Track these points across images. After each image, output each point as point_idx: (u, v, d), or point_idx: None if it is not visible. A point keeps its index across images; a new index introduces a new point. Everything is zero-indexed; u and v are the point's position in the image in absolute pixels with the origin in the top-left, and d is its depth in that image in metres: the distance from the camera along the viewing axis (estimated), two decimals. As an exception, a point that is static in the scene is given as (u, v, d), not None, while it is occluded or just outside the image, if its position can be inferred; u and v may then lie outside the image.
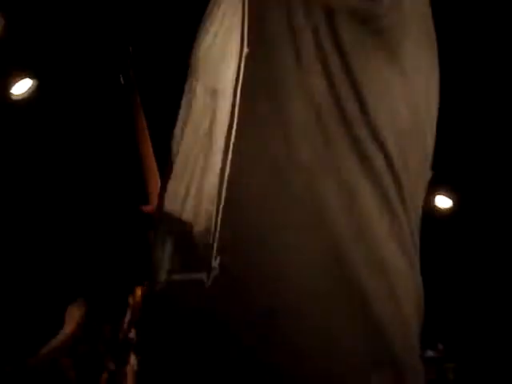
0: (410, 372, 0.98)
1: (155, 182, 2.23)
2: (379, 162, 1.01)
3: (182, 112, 1.15)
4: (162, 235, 1.10)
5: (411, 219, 1.04)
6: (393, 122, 1.04)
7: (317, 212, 0.99)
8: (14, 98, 4.57)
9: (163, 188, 1.14)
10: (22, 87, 4.58)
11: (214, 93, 1.10)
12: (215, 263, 0.99)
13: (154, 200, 2.14)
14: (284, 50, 1.05)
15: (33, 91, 4.58)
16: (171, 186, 1.11)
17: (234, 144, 1.03)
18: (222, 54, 1.12)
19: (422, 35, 1.12)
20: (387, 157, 1.02)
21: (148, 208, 2.12)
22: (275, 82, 1.05)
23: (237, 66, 1.08)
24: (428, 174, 1.11)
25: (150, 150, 2.30)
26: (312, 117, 1.01)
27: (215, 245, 1.00)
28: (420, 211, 1.08)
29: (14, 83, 4.55)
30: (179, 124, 1.14)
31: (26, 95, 4.59)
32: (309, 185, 1.00)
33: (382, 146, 1.01)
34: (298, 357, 0.95)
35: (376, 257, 0.99)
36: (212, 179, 1.04)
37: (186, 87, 1.16)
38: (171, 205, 1.09)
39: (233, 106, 1.05)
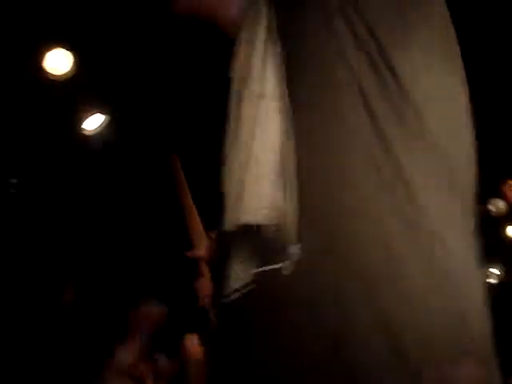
0: (488, 363, 1.00)
1: (197, 227, 2.27)
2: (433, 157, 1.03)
3: (232, 120, 1.16)
4: (230, 246, 1.12)
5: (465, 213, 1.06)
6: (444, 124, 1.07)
7: (379, 201, 1.01)
8: (85, 133, 4.67)
9: (223, 201, 1.14)
10: (93, 123, 4.68)
11: (260, 96, 1.13)
12: (295, 249, 1.00)
13: (198, 244, 2.20)
14: (325, 47, 1.09)
15: (104, 126, 4.67)
16: (231, 186, 1.12)
17: (294, 138, 1.06)
18: (261, 61, 1.15)
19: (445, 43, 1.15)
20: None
21: (193, 253, 2.16)
22: (322, 79, 1.08)
23: (278, 68, 1.12)
24: (474, 171, 1.12)
25: (190, 199, 2.34)
26: (361, 108, 1.04)
27: (292, 233, 1.01)
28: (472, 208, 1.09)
29: (86, 119, 4.65)
30: (231, 127, 1.16)
31: (97, 130, 4.68)
32: (368, 166, 1.02)
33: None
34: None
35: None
36: (275, 170, 1.06)
37: (231, 99, 1.18)
38: (235, 211, 1.10)
39: (284, 103, 1.09)
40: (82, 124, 4.61)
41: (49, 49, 4.09)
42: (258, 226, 1.06)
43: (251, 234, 1.06)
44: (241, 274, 1.08)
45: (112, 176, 4.90)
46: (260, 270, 1.05)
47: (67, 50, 4.15)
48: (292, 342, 0.99)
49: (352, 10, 1.10)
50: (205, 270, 2.13)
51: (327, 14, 1.11)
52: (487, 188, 4.97)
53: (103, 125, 4.64)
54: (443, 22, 1.16)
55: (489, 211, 5.44)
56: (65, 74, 4.22)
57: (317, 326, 0.98)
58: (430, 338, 0.96)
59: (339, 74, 1.08)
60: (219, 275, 1.14)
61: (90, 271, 4.73)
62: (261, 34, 1.17)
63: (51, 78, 4.18)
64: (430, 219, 1.01)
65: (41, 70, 4.13)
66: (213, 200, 1.19)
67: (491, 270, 6.37)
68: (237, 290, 1.08)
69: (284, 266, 1.01)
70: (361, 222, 1.00)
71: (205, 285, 2.10)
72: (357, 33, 1.09)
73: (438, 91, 1.10)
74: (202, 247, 2.15)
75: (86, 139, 4.64)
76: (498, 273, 6.40)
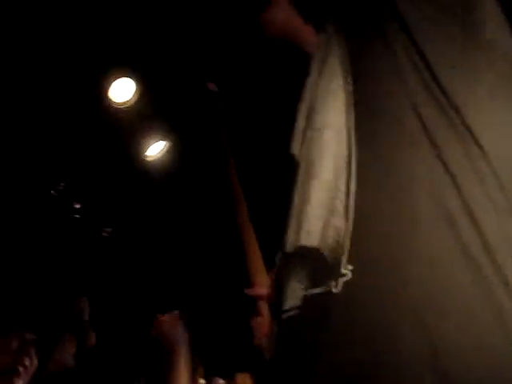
0: None
1: (258, 264, 2.22)
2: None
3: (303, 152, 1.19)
4: (289, 267, 1.14)
5: None
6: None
7: (437, 220, 1.00)
8: (148, 159, 4.71)
9: (287, 221, 1.17)
10: (155, 149, 4.73)
11: (322, 127, 1.15)
12: (345, 270, 1.02)
13: (258, 282, 2.15)
14: (389, 81, 1.11)
15: (166, 152, 4.71)
16: (295, 215, 1.15)
17: (355, 168, 1.08)
18: (326, 92, 1.17)
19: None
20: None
21: (252, 291, 2.11)
22: (385, 110, 1.10)
23: (344, 101, 1.13)
24: None
25: (252, 231, 2.29)
26: (421, 129, 1.05)
27: (345, 255, 1.04)
28: None
29: (149, 145, 4.70)
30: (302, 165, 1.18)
31: (159, 156, 4.73)
32: (429, 197, 1.01)
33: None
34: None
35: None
36: (335, 199, 1.09)
37: (296, 128, 1.22)
38: (294, 233, 1.13)
39: (349, 136, 1.11)
40: (145, 151, 4.67)
41: (113, 78, 4.16)
42: (315, 249, 1.08)
43: (308, 256, 1.10)
44: (297, 292, 1.11)
45: (174, 203, 4.92)
46: (313, 291, 1.09)
47: (131, 78, 4.22)
48: (341, 363, 1.00)
49: (414, 51, 1.09)
50: (263, 308, 2.07)
51: (394, 57, 1.12)
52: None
53: (165, 151, 4.68)
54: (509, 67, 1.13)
55: None
56: (128, 102, 4.29)
57: (364, 349, 0.98)
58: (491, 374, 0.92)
59: (408, 124, 1.07)
60: (278, 313, 1.15)
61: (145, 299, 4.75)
62: (330, 66, 1.19)
63: (115, 106, 4.25)
64: (499, 264, 0.97)
65: (105, 98, 4.21)
66: (276, 237, 1.22)
67: None
68: (293, 309, 1.11)
69: (335, 284, 1.03)
70: (421, 253, 1.00)
71: (262, 324, 2.05)
72: (423, 76, 1.08)
73: (504, 133, 1.07)
74: (263, 285, 2.10)
75: (148, 166, 4.69)
76: None
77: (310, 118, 1.19)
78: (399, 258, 1.00)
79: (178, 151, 4.70)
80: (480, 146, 1.03)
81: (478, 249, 0.97)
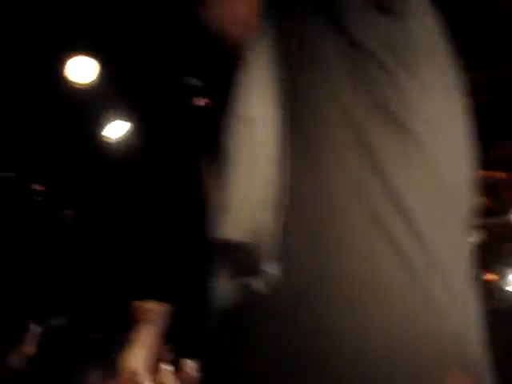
0: None
1: None
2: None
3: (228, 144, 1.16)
4: (220, 261, 1.12)
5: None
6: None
7: (366, 215, 1.00)
8: (107, 140, 4.69)
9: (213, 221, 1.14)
10: (115, 130, 4.70)
11: (247, 120, 1.12)
12: (274, 269, 1.00)
13: None
14: (316, 71, 1.08)
15: (127, 134, 4.70)
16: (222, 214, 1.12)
17: (286, 161, 1.06)
18: (254, 83, 1.15)
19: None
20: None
21: None
22: (316, 114, 1.08)
23: (272, 92, 1.11)
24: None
25: None
26: (356, 143, 1.04)
27: (273, 252, 1.01)
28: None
29: (108, 126, 4.68)
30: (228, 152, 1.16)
31: (120, 138, 4.71)
32: (355, 186, 1.01)
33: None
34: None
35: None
36: (262, 192, 1.07)
37: (229, 122, 1.18)
38: (219, 229, 1.10)
39: (275, 129, 1.08)
40: (105, 132, 4.64)
41: (72, 56, 4.13)
42: (238, 243, 1.05)
43: (232, 249, 1.07)
44: (222, 285, 1.09)
45: (134, 184, 4.91)
46: (236, 285, 1.05)
47: (90, 57, 4.19)
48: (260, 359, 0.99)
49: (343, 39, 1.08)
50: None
51: (323, 44, 1.09)
52: None
53: (126, 132, 4.66)
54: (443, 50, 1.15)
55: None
56: (89, 82, 4.26)
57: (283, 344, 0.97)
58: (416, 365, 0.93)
59: (333, 113, 1.06)
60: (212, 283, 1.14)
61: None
62: (261, 60, 1.16)
63: (74, 85, 4.22)
64: (431, 252, 0.98)
65: (64, 78, 4.17)
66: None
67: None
68: (218, 301, 1.09)
69: (258, 283, 1.01)
70: (349, 252, 0.99)
71: None
72: (348, 64, 1.07)
73: (437, 118, 1.08)
74: None
75: (108, 147, 4.66)
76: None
77: (238, 108, 1.14)
78: (321, 250, 0.99)
79: (140, 132, 4.69)
80: (409, 131, 1.03)
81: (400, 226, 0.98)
